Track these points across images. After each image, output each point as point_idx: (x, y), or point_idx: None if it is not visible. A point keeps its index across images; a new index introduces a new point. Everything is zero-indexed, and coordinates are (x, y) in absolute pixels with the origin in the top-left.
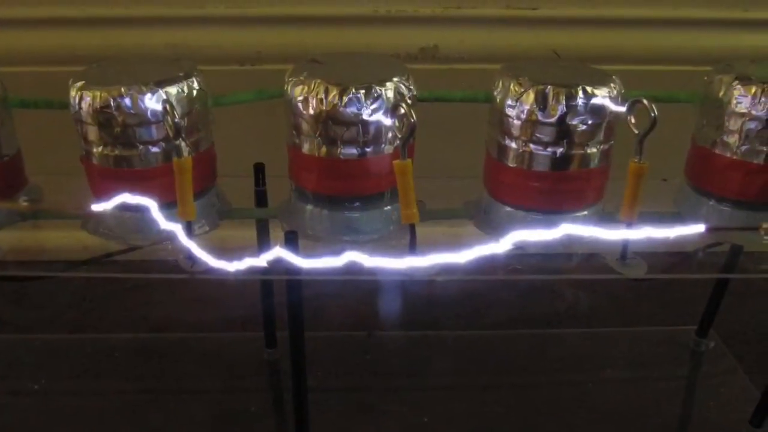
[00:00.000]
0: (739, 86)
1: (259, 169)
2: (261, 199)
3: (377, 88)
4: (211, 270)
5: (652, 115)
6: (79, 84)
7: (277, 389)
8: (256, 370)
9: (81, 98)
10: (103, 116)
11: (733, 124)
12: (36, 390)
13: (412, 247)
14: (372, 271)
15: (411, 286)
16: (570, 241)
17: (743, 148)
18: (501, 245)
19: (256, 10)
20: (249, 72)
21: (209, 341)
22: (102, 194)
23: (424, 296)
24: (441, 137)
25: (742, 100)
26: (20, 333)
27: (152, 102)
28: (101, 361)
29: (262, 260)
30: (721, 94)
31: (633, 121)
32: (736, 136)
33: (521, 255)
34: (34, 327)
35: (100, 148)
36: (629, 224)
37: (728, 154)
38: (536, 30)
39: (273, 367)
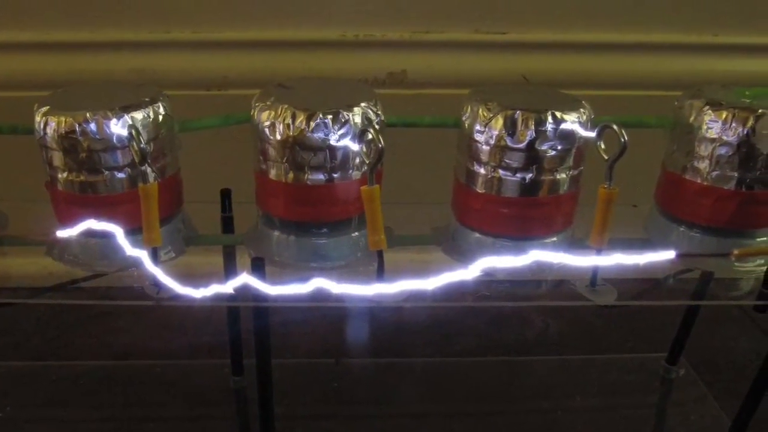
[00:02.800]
0: (709, 111)
1: (225, 195)
2: (228, 226)
3: (345, 113)
4: (177, 297)
5: (622, 140)
6: (44, 109)
7: (243, 417)
8: (222, 398)
9: (46, 123)
10: (68, 142)
11: (704, 150)
12: (0, 418)
13: (380, 273)
14: (340, 298)
15: (379, 313)
16: (539, 267)
17: (714, 173)
18: (469, 272)
19: (223, 35)
20: (215, 97)
21: (175, 369)
22: (67, 220)
23: (392, 323)
24: (409, 163)
25: (712, 125)
26: None
27: (118, 127)
28: (66, 389)
29: (228, 287)
30: (691, 119)
31: (603, 146)
32: (707, 161)
33: (490, 282)
34: None
35: (65, 174)
36: (599, 250)
37: (699, 180)
38: (505, 55)
39: (240, 395)
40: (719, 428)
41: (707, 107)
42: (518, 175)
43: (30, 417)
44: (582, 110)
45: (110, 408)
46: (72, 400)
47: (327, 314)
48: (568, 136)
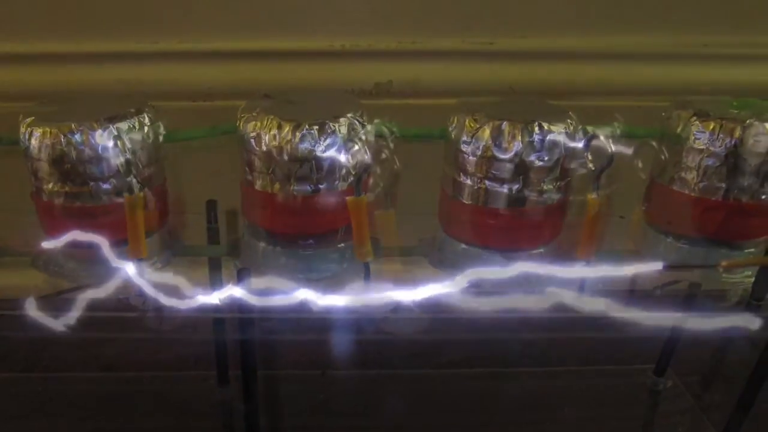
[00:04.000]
0: (697, 122)
1: (211, 206)
2: (213, 237)
3: (331, 124)
4: (162, 308)
5: (609, 151)
6: (29, 120)
7: (229, 429)
8: (208, 410)
9: (31, 134)
10: (54, 153)
11: (691, 161)
12: None
13: (367, 284)
14: (326, 309)
15: (365, 325)
16: (526, 279)
17: (701, 184)
18: (456, 283)
19: (209, 46)
20: (201, 108)
21: (161, 380)
22: (53, 231)
23: (379, 334)
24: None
25: (700, 136)
26: None
27: (103, 138)
28: (52, 400)
29: (214, 298)
30: (679, 130)
31: (590, 156)
32: (694, 172)
33: (477, 293)
34: None
35: (50, 185)
36: (586, 262)
37: (686, 191)
38: (492, 65)
39: (225, 406)
40: None
41: (695, 118)
42: (505, 186)
43: (15, 429)
44: (569, 121)
45: (95, 419)
46: (57, 412)
47: (313, 325)
48: (556, 147)
